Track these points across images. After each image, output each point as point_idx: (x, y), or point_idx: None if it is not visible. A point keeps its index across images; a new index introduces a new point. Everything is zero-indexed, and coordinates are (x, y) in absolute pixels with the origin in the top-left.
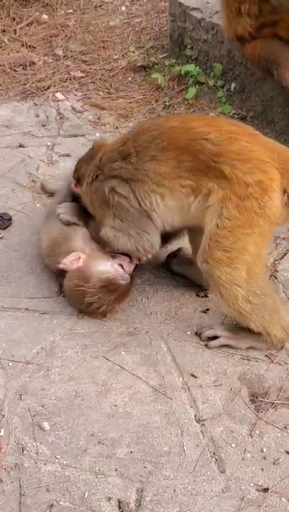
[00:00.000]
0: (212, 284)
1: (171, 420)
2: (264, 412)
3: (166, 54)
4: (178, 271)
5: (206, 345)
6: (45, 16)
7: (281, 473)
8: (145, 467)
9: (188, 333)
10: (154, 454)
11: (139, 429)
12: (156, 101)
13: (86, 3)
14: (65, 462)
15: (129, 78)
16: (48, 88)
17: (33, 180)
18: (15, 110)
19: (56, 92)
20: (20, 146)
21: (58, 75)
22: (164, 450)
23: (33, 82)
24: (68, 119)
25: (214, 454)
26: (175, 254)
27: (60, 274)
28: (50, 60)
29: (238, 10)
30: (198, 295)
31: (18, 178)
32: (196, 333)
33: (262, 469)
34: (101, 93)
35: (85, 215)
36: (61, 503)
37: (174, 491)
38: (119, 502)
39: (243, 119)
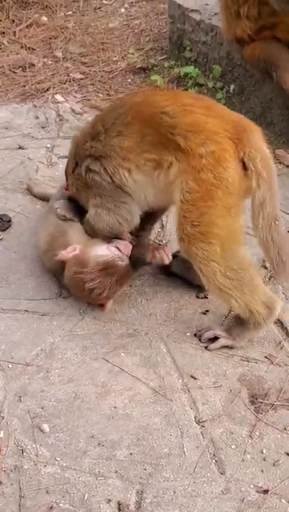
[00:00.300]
0: (193, 263)
1: (171, 422)
2: (264, 413)
3: (165, 56)
4: (177, 272)
5: (206, 348)
6: (44, 18)
7: (281, 475)
8: (145, 469)
9: (188, 334)
10: (154, 455)
11: (139, 430)
12: None
13: (85, 5)
14: (64, 464)
15: (129, 80)
16: (48, 90)
17: (30, 179)
18: (14, 112)
19: (56, 93)
20: (20, 147)
21: (57, 76)
22: (164, 452)
23: (32, 84)
24: (68, 120)
25: (214, 455)
26: (174, 256)
27: (60, 273)
28: (50, 62)
29: (237, 12)
30: (197, 296)
31: (18, 179)
32: (195, 334)
33: (262, 471)
34: (100, 95)
35: (80, 213)
36: (61, 505)
37: (174, 492)
38: (119, 504)
39: None
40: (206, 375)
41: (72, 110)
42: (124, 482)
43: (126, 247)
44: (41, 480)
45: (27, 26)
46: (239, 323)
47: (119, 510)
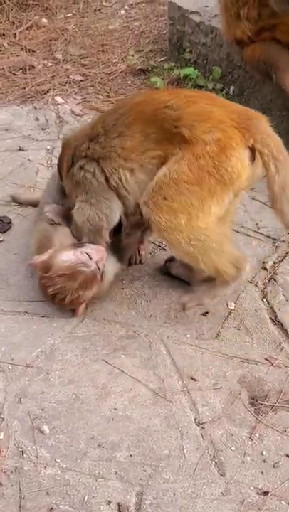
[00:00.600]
0: (154, 229)
1: (171, 423)
2: (264, 415)
3: (165, 57)
4: (177, 274)
5: (183, 309)
6: (44, 20)
7: (281, 477)
8: (145, 470)
9: (188, 336)
10: (154, 457)
11: (139, 432)
12: None
13: (85, 7)
14: (64, 465)
15: (129, 82)
16: (48, 92)
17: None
18: (14, 114)
19: (56, 95)
20: (20, 149)
21: (57, 78)
22: (163, 453)
23: (32, 86)
24: (68, 122)
25: (214, 457)
26: (173, 258)
27: None
28: (50, 64)
29: (237, 14)
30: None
31: (18, 181)
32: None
33: (262, 472)
34: (100, 96)
35: (69, 217)
36: (61, 506)
37: (174, 494)
38: (119, 505)
39: None
40: (205, 376)
41: (72, 112)
42: (124, 484)
43: (98, 252)
44: (41, 481)
45: (27, 28)
46: (208, 281)
47: (119, 511)
